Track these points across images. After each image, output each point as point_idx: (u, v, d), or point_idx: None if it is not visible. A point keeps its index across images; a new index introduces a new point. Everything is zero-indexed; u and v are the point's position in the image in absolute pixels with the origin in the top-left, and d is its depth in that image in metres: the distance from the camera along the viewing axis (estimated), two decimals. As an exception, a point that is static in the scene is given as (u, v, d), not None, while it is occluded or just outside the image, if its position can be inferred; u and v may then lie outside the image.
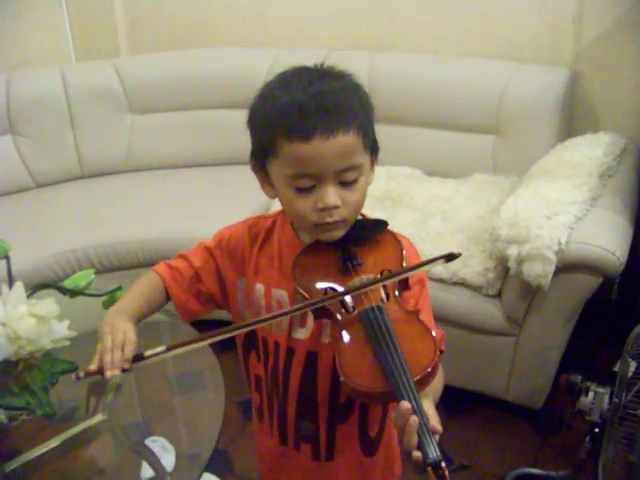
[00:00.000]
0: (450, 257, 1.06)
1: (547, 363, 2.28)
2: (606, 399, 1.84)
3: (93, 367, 1.05)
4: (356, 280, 1.07)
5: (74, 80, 3.20)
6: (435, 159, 2.90)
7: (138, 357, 1.06)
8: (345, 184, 1.05)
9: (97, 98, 3.20)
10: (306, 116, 1.01)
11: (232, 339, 1.25)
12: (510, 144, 2.77)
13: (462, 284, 2.29)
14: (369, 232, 1.14)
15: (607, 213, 2.21)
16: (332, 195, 1.04)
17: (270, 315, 1.10)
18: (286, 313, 1.09)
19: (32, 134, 3.13)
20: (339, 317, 1.05)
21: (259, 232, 1.21)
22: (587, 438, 1.90)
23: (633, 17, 2.63)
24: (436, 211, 2.53)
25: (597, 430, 1.84)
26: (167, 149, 3.28)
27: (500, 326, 2.26)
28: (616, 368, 1.83)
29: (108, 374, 1.03)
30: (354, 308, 1.05)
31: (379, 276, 1.07)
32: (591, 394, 1.86)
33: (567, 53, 2.79)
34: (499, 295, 2.27)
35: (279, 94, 1.05)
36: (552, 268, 2.02)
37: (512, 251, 2.07)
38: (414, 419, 0.88)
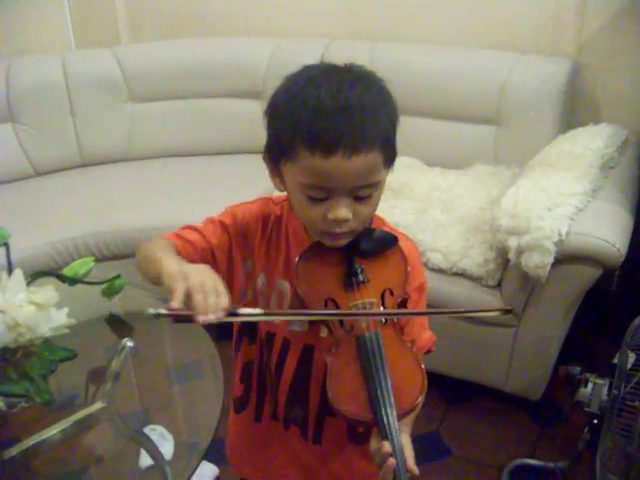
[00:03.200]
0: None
1: (546, 354, 2.28)
2: (605, 391, 1.84)
3: (176, 303, 0.90)
4: (359, 302, 1.06)
5: (74, 68, 3.18)
6: (436, 149, 2.89)
7: (233, 312, 0.95)
8: (359, 199, 1.03)
9: (97, 86, 3.19)
10: (331, 130, 0.96)
11: (230, 326, 1.25)
12: (511, 135, 2.76)
13: (462, 275, 2.29)
14: (378, 246, 1.11)
15: (608, 205, 2.21)
16: (344, 209, 1.01)
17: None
18: (289, 313, 1.11)
19: (32, 122, 3.11)
20: (336, 331, 1.05)
21: (269, 217, 1.19)
22: (586, 429, 1.91)
23: (635, 8, 2.62)
24: (436, 201, 2.53)
25: (596, 421, 1.85)
26: (167, 137, 3.27)
27: (499, 317, 2.26)
28: (615, 360, 1.83)
29: (201, 318, 0.89)
30: (352, 327, 1.04)
31: (381, 298, 1.07)
32: (590, 385, 1.87)
33: (569, 44, 2.78)
34: (499, 286, 2.26)
35: (306, 96, 0.99)
36: (551, 259, 2.02)
37: (512, 242, 2.06)
38: (392, 461, 0.92)
